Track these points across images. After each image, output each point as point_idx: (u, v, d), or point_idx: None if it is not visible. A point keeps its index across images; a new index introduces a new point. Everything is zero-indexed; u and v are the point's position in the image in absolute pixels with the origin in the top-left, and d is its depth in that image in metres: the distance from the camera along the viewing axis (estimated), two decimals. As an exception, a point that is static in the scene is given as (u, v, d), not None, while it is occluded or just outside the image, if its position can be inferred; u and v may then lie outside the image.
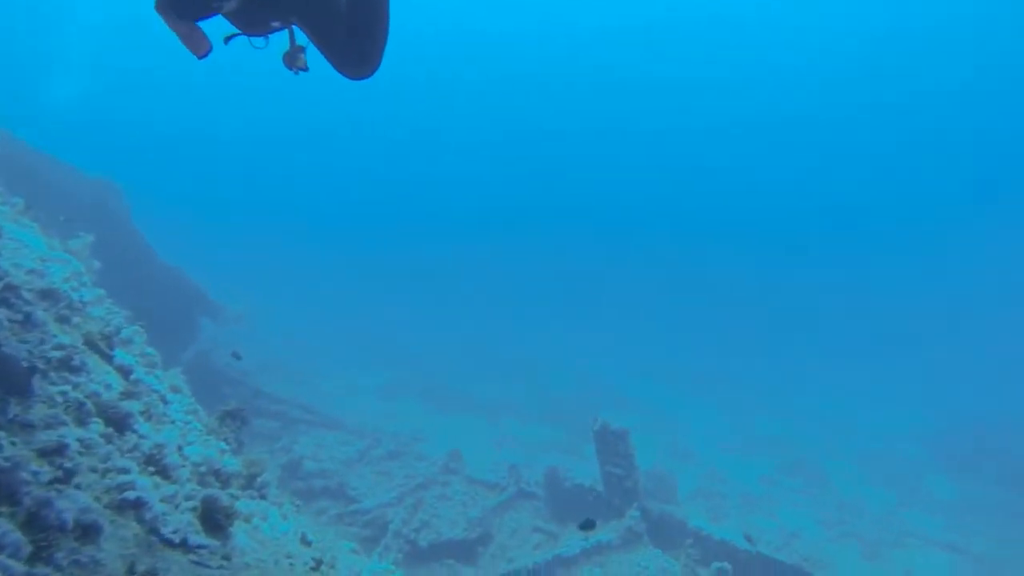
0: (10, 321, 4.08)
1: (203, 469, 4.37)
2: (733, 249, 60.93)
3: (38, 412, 3.48)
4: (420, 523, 9.89)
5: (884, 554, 13.46)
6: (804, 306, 48.64)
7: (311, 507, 10.65)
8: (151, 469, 3.86)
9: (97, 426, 3.79)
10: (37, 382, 3.55)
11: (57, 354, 4.09)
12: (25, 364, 3.48)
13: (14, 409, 3.33)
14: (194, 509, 3.63)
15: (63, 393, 3.81)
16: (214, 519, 3.62)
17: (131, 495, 3.08)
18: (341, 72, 3.73)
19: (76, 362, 4.22)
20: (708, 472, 18.17)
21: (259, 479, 4.95)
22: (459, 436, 17.39)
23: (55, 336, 4.28)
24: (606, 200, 70.54)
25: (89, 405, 3.85)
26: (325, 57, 3.71)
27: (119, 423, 4.02)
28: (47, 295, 4.78)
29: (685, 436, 21.41)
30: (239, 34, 3.77)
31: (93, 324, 5.04)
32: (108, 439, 3.79)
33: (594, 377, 26.97)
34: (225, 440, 5.38)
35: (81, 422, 3.74)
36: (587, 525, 7.93)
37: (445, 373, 24.73)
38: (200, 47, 3.62)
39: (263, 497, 4.89)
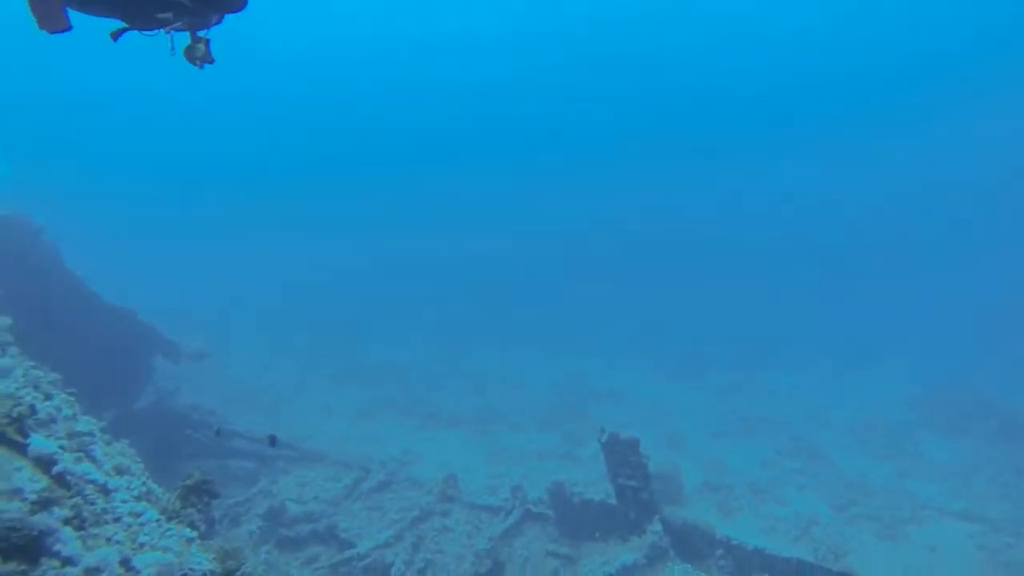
0: None
1: (161, 583, 3.41)
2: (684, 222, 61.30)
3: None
4: (423, 562, 8.99)
5: (902, 532, 12.93)
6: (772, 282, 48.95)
7: (300, 556, 9.65)
8: (84, 607, 2.89)
9: (-1, 563, 2.79)
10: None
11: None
12: None
13: None
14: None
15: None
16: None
17: None
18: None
19: (-34, 468, 3.21)
20: (708, 462, 17.63)
21: (239, 571, 4.00)
22: (448, 454, 16.51)
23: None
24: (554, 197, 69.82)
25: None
26: None
27: (29, 550, 3.00)
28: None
29: (674, 424, 20.84)
30: (127, 29, 3.36)
31: None
32: (16, 579, 2.80)
33: (571, 375, 26.33)
34: (191, 524, 4.39)
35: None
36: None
37: (419, 385, 23.80)
38: (51, 21, 3.09)
39: (244, 596, 3.95)
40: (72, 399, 5.06)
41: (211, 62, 3.62)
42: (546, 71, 64.74)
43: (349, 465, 12.06)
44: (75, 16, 3.25)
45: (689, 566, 8.30)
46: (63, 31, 3.24)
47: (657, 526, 8.74)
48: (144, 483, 4.51)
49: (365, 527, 10.09)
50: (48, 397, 5.14)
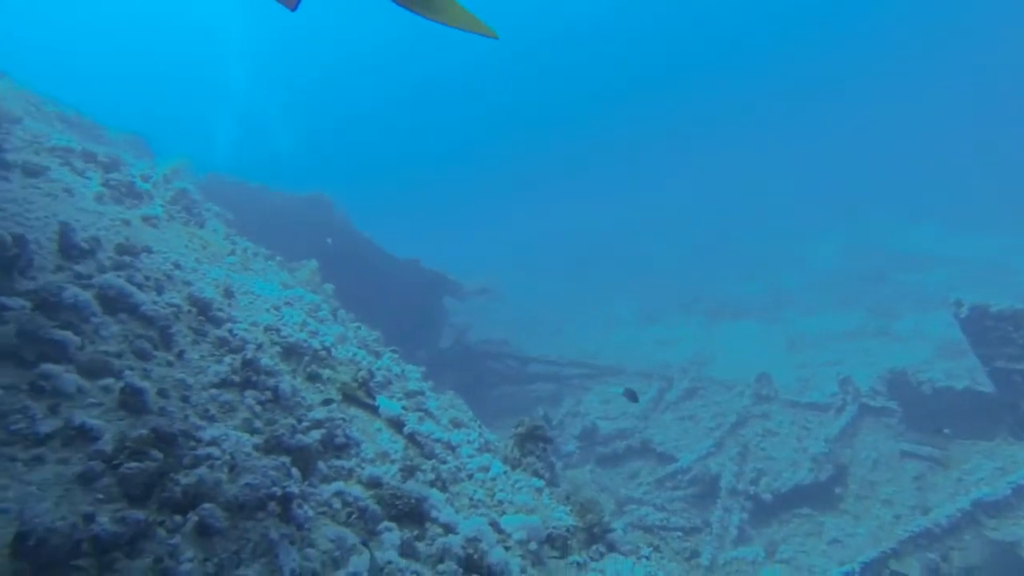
0: (259, 404, 3.19)
1: (532, 546, 3.17)
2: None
3: (319, 543, 2.47)
4: (755, 472, 8.28)
5: None
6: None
7: (621, 472, 9.65)
8: (472, 578, 2.72)
9: (392, 536, 2.71)
10: (299, 504, 2.53)
11: (316, 435, 3.13)
12: (277, 490, 2.45)
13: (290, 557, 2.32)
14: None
15: (339, 494, 2.80)
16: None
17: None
18: None
19: (340, 439, 3.23)
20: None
21: (600, 524, 3.68)
22: (745, 347, 15.37)
23: (309, 411, 3.33)
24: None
25: (372, 507, 2.79)
26: None
27: (415, 517, 2.94)
28: (289, 352, 3.93)
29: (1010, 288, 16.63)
30: None
31: (345, 372, 4.12)
32: (409, 551, 2.70)
33: (858, 239, 22.75)
34: (535, 472, 4.21)
35: (371, 534, 2.70)
36: None
37: (692, 278, 22.56)
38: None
39: (611, 547, 3.63)
40: (397, 355, 5.25)
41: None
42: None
43: (649, 375, 11.74)
44: None
45: None
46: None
47: (1067, 416, 6.78)
48: (480, 434, 4.46)
49: (680, 438, 9.69)
50: (378, 356, 5.39)
